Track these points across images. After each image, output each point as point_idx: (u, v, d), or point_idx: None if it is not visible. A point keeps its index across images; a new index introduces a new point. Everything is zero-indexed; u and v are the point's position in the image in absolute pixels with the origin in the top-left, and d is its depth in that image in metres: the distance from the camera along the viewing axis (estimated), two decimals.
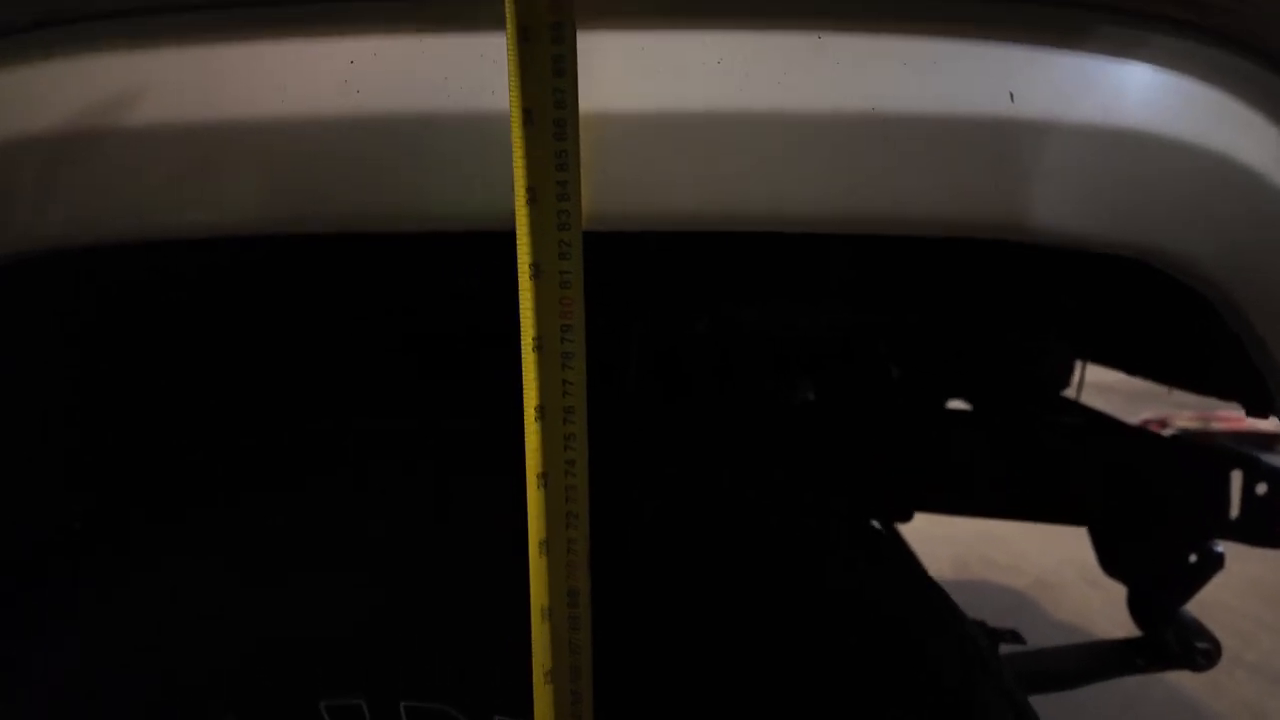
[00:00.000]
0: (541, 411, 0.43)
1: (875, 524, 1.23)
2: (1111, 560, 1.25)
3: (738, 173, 0.41)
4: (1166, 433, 4.16)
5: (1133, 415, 3.87)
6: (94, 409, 0.75)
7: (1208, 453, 1.06)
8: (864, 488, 1.14)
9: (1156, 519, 1.12)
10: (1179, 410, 4.41)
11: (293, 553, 0.59)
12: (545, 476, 0.43)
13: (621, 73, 0.42)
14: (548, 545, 0.44)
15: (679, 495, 0.63)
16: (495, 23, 0.43)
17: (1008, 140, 0.41)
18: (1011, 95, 0.41)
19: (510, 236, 0.41)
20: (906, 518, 1.28)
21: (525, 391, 0.43)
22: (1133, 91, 0.42)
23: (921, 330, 1.13)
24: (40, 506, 0.72)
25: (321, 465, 0.62)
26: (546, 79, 0.39)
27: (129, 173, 0.44)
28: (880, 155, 0.41)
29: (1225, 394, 0.95)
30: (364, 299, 0.81)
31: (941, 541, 2.84)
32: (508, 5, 0.38)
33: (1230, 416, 4.13)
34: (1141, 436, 1.10)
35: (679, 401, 1.10)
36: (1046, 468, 1.10)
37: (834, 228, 0.42)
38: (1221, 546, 1.12)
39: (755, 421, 1.09)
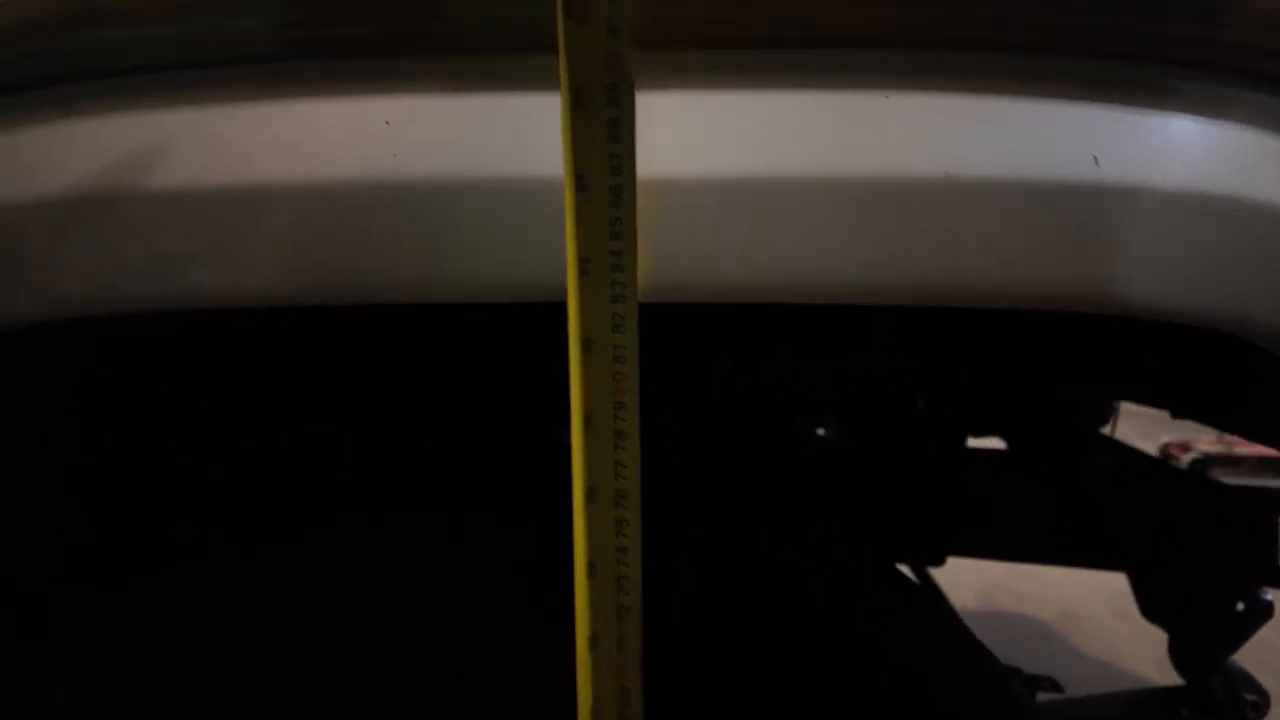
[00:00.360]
0: (591, 495, 0.40)
1: (906, 569, 1.19)
2: (1152, 605, 1.21)
3: (804, 242, 0.38)
4: (1188, 457, 4.10)
5: (1152, 439, 3.81)
6: (98, 473, 0.73)
7: (1255, 497, 1.02)
8: (896, 533, 1.11)
9: (1201, 565, 1.08)
10: (1200, 434, 4.34)
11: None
12: (594, 566, 0.40)
13: (677, 135, 0.39)
14: (597, 641, 0.41)
15: (719, 563, 0.60)
16: (539, 81, 0.40)
17: (1091, 207, 0.38)
18: (1095, 159, 0.38)
19: (558, 308, 0.39)
20: (939, 562, 1.24)
21: (574, 473, 0.40)
22: (1224, 153, 0.39)
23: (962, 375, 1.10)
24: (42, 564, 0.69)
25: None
26: (601, 144, 0.36)
27: (151, 239, 0.41)
28: (955, 223, 0.38)
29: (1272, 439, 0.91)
30: (386, 373, 0.78)
31: (965, 570, 2.77)
32: (561, 67, 0.35)
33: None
34: (1185, 479, 1.06)
35: (705, 447, 1.08)
36: (1086, 512, 1.07)
37: (905, 300, 0.39)
38: (1270, 594, 1.08)
39: (785, 467, 1.06)
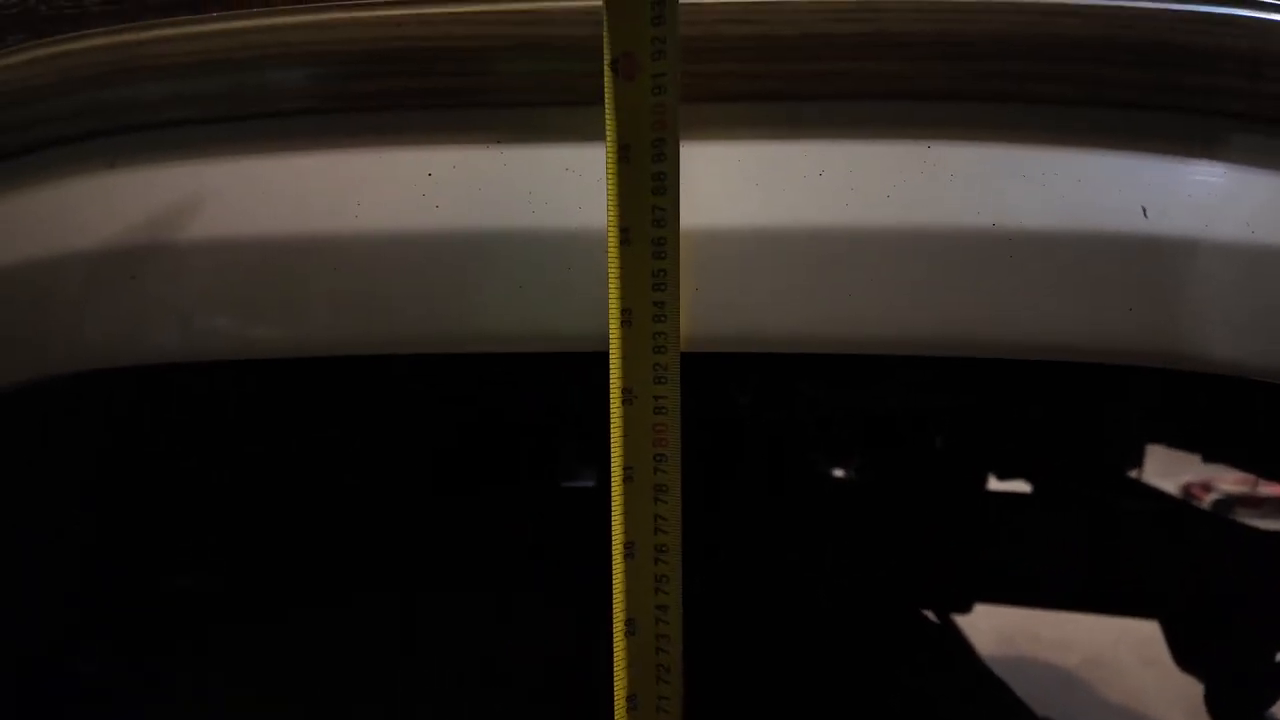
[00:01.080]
0: (630, 549, 0.39)
1: (931, 616, 1.17)
2: (1186, 655, 1.18)
3: (847, 294, 0.38)
4: (1211, 497, 4.03)
5: (1174, 478, 3.74)
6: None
7: None
8: (920, 579, 1.08)
9: (1238, 613, 1.05)
10: (1223, 473, 4.27)
11: None
12: (632, 623, 0.39)
13: (720, 186, 0.39)
14: (635, 701, 0.39)
15: (732, 611, 0.59)
16: (580, 133, 0.41)
17: (1141, 259, 0.37)
18: (1144, 210, 0.38)
19: (597, 358, 0.38)
20: (965, 609, 1.21)
21: (614, 527, 0.39)
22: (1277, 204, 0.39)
23: (989, 411, 1.09)
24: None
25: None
26: (646, 197, 0.36)
27: (187, 290, 0.41)
28: (1001, 275, 0.38)
29: None
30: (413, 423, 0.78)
31: (984, 614, 2.72)
32: (608, 122, 0.35)
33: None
34: (1221, 525, 1.04)
35: (721, 488, 1.06)
36: (1112, 556, 1.04)
37: (951, 352, 0.38)
38: None
39: (804, 509, 1.04)
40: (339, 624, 0.56)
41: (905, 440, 1.12)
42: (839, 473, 1.21)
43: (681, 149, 0.38)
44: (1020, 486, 1.19)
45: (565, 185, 0.40)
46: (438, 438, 0.81)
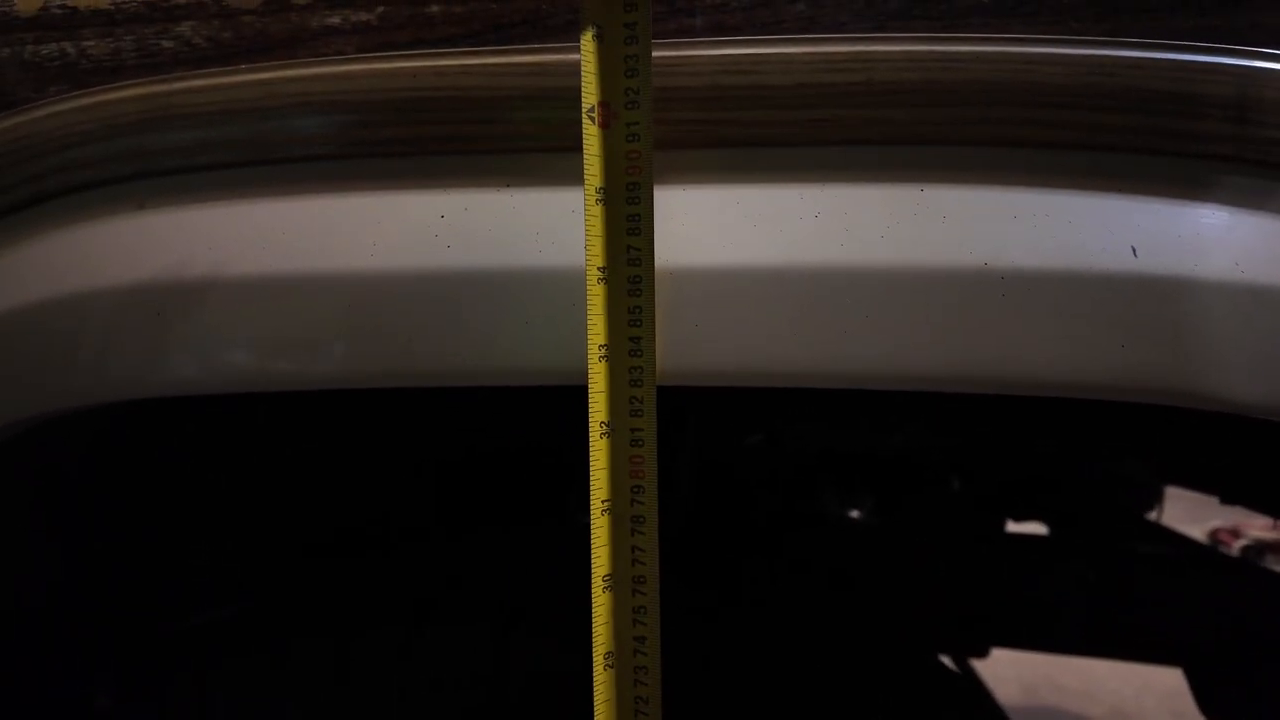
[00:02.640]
0: (609, 581, 0.40)
1: (949, 662, 1.15)
2: (1212, 703, 1.14)
3: (838, 331, 0.39)
4: (1239, 544, 3.92)
5: (1200, 524, 3.66)
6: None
7: None
8: (935, 622, 1.07)
9: (1264, 662, 1.02)
10: (1251, 519, 4.17)
11: None
12: (612, 655, 0.40)
13: (716, 227, 0.41)
14: None
15: (742, 655, 0.59)
16: (572, 179, 0.42)
17: (1131, 298, 0.38)
18: (1134, 250, 0.39)
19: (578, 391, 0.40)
20: (982, 654, 1.19)
21: (594, 560, 0.40)
22: (1266, 245, 0.39)
23: (1000, 450, 1.08)
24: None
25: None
26: (621, 238, 0.38)
27: (209, 325, 0.43)
28: (994, 313, 0.38)
29: None
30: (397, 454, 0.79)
31: (1006, 662, 2.66)
32: (586, 166, 0.38)
33: None
34: (1248, 571, 1.02)
35: (735, 524, 1.06)
36: (1139, 604, 1.02)
37: (943, 387, 0.39)
38: None
39: (816, 550, 1.03)
40: (342, 656, 0.57)
41: (920, 482, 1.12)
42: (853, 515, 1.20)
43: (680, 192, 0.40)
44: (1037, 529, 1.17)
45: (573, 227, 0.42)
46: (434, 473, 0.82)
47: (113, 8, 0.46)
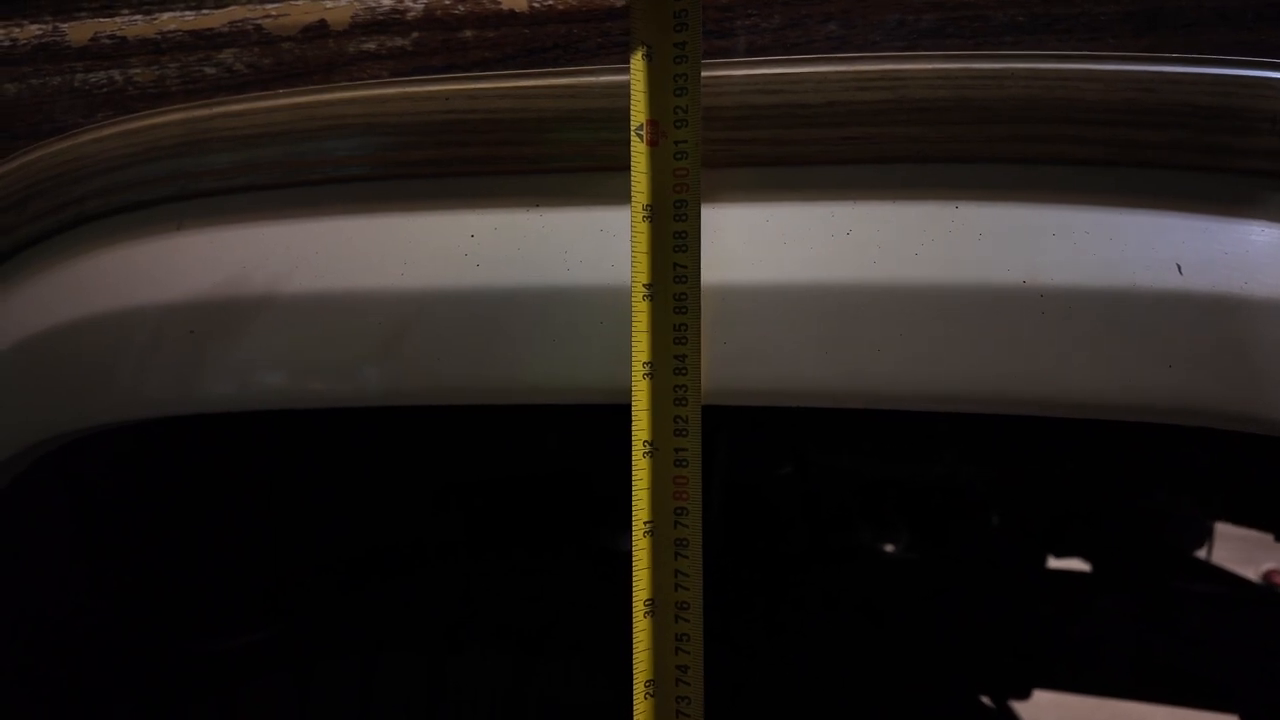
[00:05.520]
0: (651, 606, 0.39)
1: (987, 701, 1.11)
2: None
3: (876, 350, 0.38)
4: None
5: (1251, 565, 3.51)
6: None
7: None
8: (973, 660, 1.03)
9: None
10: None
11: None
12: (653, 684, 0.38)
13: (749, 244, 0.40)
14: None
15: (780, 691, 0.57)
16: (613, 197, 0.42)
17: (1178, 316, 0.37)
18: (1179, 267, 0.37)
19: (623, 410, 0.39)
20: (1024, 695, 1.14)
21: (635, 583, 0.39)
22: None
23: (1041, 482, 1.05)
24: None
25: None
26: (668, 254, 0.38)
27: (243, 343, 0.43)
28: (1034, 332, 0.37)
29: None
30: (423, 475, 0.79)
31: (1050, 706, 2.56)
32: (634, 184, 0.37)
33: None
34: None
35: (768, 553, 1.04)
36: (1189, 645, 0.98)
37: (981, 409, 0.38)
38: None
39: (854, 580, 1.01)
40: (366, 681, 0.56)
41: (958, 514, 1.09)
42: (889, 548, 1.17)
43: (712, 210, 0.40)
44: (1079, 565, 1.13)
45: (601, 245, 0.42)
46: (465, 495, 0.82)
47: (159, 36, 0.47)
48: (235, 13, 0.47)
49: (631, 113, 0.39)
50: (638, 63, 0.39)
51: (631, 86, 0.39)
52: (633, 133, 0.39)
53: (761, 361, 0.39)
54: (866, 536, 1.16)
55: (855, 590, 1.00)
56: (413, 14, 0.46)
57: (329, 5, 0.46)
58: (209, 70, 0.47)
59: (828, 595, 0.97)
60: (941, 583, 1.04)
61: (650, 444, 0.39)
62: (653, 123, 0.39)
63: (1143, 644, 0.99)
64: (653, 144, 0.39)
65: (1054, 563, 1.14)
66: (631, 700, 0.38)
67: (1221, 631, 0.98)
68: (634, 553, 0.39)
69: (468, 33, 0.45)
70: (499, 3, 0.45)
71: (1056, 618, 1.01)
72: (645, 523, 0.39)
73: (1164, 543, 1.11)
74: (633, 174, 0.38)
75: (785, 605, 0.89)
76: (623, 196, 0.42)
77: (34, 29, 0.48)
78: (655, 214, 0.38)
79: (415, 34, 0.46)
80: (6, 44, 0.48)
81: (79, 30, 0.48)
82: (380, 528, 0.81)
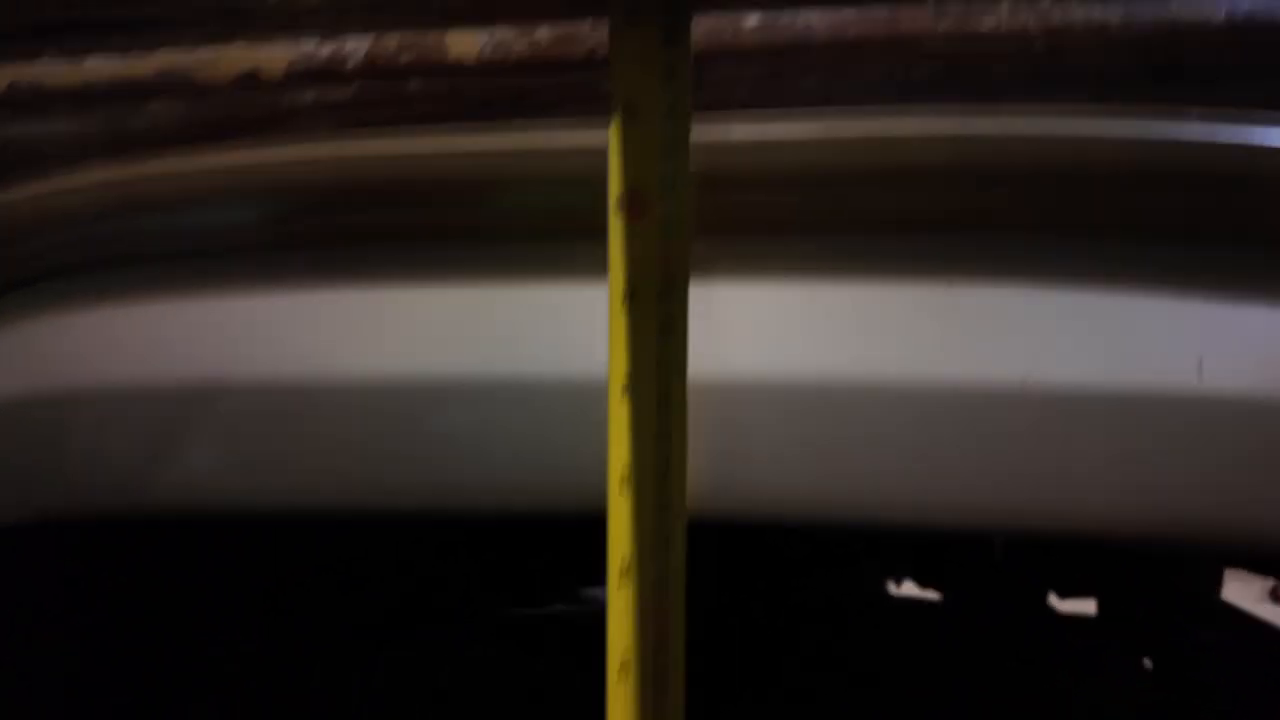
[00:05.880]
0: None
1: None
2: None
3: (857, 456, 0.34)
4: None
5: (1259, 580, 3.45)
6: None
7: None
8: (974, 703, 0.99)
9: None
10: None
11: None
12: None
13: (724, 333, 0.36)
14: None
15: None
16: (580, 272, 0.38)
17: (1199, 421, 0.33)
18: (1200, 363, 0.33)
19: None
20: None
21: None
22: None
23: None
24: None
25: None
26: (650, 344, 0.33)
27: (172, 435, 0.39)
28: (1034, 439, 0.33)
29: None
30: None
31: None
32: (612, 265, 0.33)
33: None
34: None
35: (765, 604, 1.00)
36: (1193, 693, 0.94)
37: (970, 530, 0.34)
38: None
39: (852, 627, 0.97)
40: None
41: (960, 557, 1.05)
42: (891, 595, 1.13)
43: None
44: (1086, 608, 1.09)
45: (562, 329, 0.37)
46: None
47: (81, 86, 0.43)
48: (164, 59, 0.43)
49: (610, 182, 0.33)
50: (617, 122, 0.34)
51: (610, 151, 0.33)
52: (611, 204, 0.33)
53: (745, 470, 0.35)
54: (869, 584, 1.12)
55: (857, 638, 0.96)
56: (353, 63, 0.41)
57: (261, 54, 0.42)
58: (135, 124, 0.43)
59: (824, 644, 0.94)
60: (942, 621, 1.00)
61: (628, 565, 0.34)
62: (634, 191, 0.33)
63: (1154, 694, 0.95)
64: (634, 217, 0.34)
65: (1061, 605, 1.10)
66: None
67: (1232, 680, 0.94)
68: (608, 694, 0.35)
69: (413, 84, 0.41)
70: (445, 52, 0.41)
71: (1062, 664, 0.97)
72: (621, 663, 0.34)
73: (1173, 585, 1.06)
74: (610, 252, 0.33)
75: (781, 661, 0.86)
76: (589, 271, 0.37)
77: None
78: (636, 298, 0.33)
79: (357, 83, 0.42)
80: None
81: None
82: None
